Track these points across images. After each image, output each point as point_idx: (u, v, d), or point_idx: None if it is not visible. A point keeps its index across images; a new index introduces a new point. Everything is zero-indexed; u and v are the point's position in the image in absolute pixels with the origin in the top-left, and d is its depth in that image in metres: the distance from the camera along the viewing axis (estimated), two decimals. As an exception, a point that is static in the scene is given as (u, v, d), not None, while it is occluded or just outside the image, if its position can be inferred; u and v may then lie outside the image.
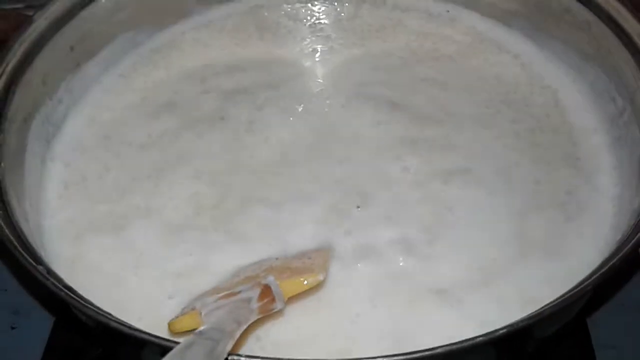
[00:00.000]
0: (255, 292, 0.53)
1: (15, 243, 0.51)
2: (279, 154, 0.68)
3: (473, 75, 0.74)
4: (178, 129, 0.70)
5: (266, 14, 0.81)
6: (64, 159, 0.68)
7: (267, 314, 0.52)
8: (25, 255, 0.50)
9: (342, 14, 0.80)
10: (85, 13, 0.70)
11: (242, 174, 0.66)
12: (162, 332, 0.50)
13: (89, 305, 0.47)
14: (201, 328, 0.49)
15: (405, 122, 0.69)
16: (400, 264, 0.59)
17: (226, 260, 0.59)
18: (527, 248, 0.60)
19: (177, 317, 0.54)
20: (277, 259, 0.59)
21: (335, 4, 0.81)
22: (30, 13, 0.68)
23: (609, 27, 0.66)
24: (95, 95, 0.73)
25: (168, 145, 0.69)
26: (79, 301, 0.48)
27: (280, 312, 0.54)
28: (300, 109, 0.72)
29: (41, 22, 0.66)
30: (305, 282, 0.55)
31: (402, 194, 0.64)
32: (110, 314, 0.47)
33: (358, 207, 0.63)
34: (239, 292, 0.53)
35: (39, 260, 0.51)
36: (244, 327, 0.50)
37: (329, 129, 0.70)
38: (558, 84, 0.73)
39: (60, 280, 0.49)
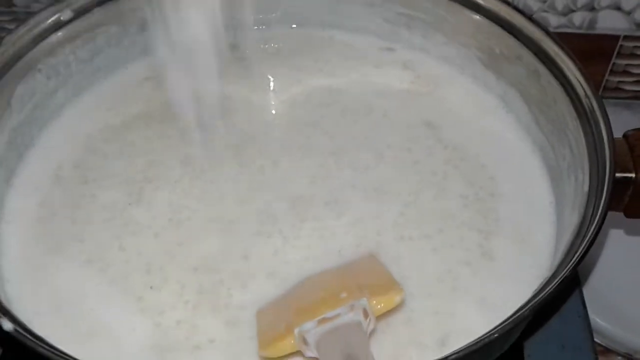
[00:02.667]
0: (359, 315, 0.53)
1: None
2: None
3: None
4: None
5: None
6: (27, 186, 0.69)
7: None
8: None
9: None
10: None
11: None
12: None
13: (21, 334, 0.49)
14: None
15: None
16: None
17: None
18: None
19: (267, 339, 0.54)
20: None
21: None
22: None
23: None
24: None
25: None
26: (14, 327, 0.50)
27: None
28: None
29: (9, 45, 0.68)
30: (396, 299, 0.55)
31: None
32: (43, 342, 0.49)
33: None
34: (337, 315, 0.53)
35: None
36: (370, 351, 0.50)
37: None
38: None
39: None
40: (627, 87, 1.00)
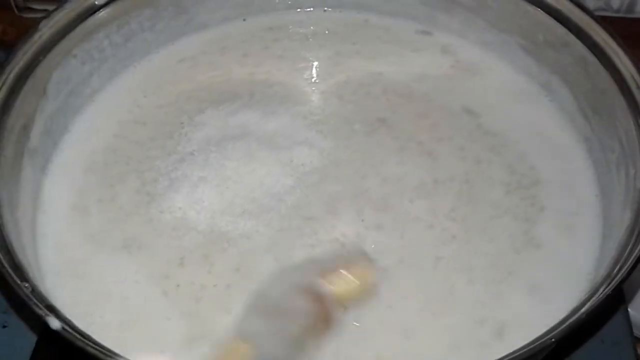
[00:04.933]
0: (315, 307, 0.52)
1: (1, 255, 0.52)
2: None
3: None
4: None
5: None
6: (62, 174, 0.69)
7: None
8: (10, 270, 0.51)
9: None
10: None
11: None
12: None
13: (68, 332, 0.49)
14: None
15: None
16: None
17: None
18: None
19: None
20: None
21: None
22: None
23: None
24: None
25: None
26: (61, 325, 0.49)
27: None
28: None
29: (46, 30, 0.67)
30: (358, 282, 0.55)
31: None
32: (90, 340, 0.48)
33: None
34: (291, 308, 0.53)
35: (25, 276, 0.52)
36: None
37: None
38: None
39: (43, 300, 0.50)
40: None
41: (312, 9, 0.82)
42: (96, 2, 0.71)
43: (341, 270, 0.56)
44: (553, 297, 0.59)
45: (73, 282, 0.61)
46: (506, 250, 0.63)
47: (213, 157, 0.68)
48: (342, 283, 0.55)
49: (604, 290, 0.49)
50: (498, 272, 0.61)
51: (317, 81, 0.77)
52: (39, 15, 0.84)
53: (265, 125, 0.71)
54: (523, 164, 0.69)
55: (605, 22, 0.64)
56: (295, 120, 0.72)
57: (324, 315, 0.53)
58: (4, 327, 0.67)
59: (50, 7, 0.69)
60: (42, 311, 0.49)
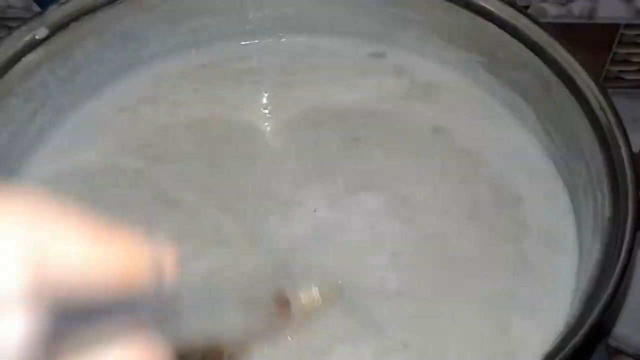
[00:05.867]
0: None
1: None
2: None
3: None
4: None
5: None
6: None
7: None
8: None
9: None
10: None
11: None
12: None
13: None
14: None
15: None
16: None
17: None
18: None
19: None
20: None
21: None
22: None
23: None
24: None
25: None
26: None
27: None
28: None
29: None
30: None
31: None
32: None
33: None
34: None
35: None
36: None
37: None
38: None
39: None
40: (629, 77, 0.96)
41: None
42: (37, 37, 0.67)
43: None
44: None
45: None
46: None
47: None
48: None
49: (577, 337, 0.46)
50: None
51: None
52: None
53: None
54: (503, 182, 0.67)
55: (568, 29, 0.62)
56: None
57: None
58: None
59: None
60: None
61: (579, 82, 0.62)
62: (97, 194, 0.66)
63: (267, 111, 0.74)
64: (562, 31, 0.65)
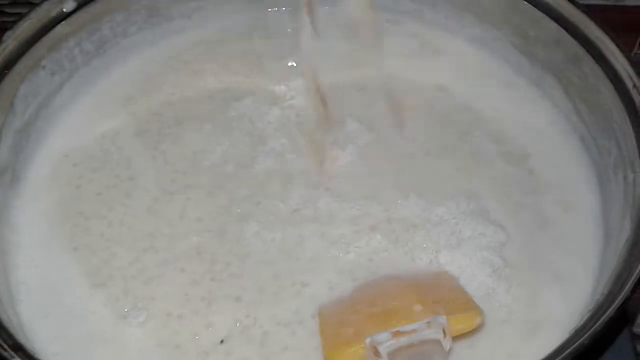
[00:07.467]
0: (438, 333, 0.50)
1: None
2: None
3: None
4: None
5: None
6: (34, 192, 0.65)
7: None
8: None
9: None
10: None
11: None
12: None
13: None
14: None
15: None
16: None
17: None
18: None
19: (333, 343, 0.52)
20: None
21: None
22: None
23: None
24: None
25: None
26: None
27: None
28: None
29: (10, 42, 0.63)
30: (477, 320, 0.52)
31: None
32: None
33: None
34: (414, 330, 0.50)
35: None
36: None
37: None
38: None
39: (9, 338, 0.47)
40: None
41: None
42: (64, 10, 0.67)
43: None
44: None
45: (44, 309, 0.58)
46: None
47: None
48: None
49: (606, 314, 0.46)
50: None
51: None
52: (11, 19, 0.80)
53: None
54: (526, 163, 0.67)
55: (597, 11, 0.61)
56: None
57: None
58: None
59: (24, 10, 0.66)
60: (7, 353, 0.45)
61: (612, 60, 0.61)
62: (124, 164, 0.67)
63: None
64: (593, 15, 0.64)
